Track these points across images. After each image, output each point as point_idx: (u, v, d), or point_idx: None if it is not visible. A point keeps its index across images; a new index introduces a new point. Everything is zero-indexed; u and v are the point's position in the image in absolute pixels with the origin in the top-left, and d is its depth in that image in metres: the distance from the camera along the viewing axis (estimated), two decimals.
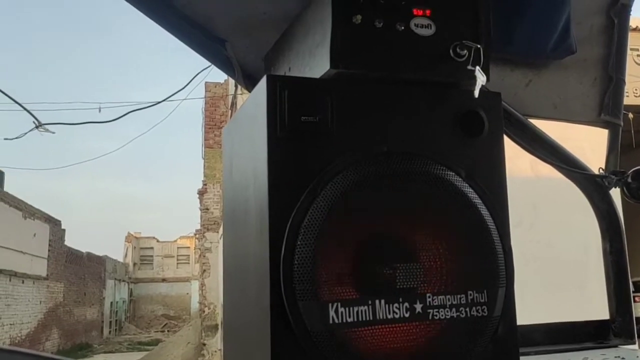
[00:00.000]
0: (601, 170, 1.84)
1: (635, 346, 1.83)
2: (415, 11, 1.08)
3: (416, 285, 1.00)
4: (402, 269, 0.99)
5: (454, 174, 1.06)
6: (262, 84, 1.02)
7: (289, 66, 1.27)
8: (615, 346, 1.79)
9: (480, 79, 1.07)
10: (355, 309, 0.95)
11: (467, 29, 1.12)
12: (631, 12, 1.96)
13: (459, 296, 1.03)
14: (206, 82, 18.65)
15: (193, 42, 1.59)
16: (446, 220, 1.05)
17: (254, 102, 1.10)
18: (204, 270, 18.44)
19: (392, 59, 1.08)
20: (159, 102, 10.21)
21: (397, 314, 0.98)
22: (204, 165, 19.14)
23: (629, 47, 1.97)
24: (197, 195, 19.09)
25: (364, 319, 0.95)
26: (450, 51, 1.09)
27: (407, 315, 0.98)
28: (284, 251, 0.95)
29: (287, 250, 0.95)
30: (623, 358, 1.61)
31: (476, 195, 1.07)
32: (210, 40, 1.57)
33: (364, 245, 0.98)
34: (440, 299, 1.01)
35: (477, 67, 1.08)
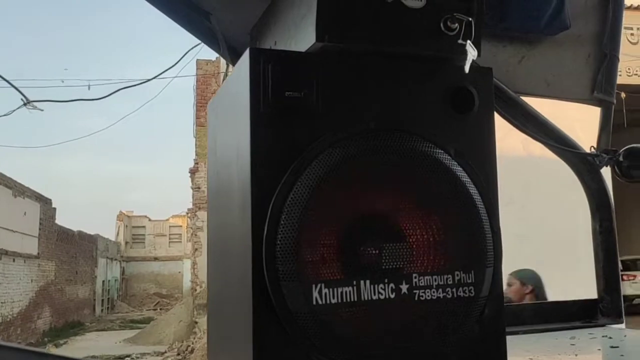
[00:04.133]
0: (593, 149, 1.82)
1: (623, 325, 1.83)
2: None
3: (402, 266, 0.97)
4: (388, 248, 0.97)
5: (442, 151, 1.03)
6: (245, 58, 0.98)
7: (275, 40, 1.23)
8: (603, 325, 1.79)
9: (472, 53, 1.03)
10: (340, 289, 0.93)
11: (459, 1, 1.08)
12: None
13: (445, 276, 1.00)
14: (197, 60, 18.44)
15: (177, 15, 1.54)
16: (434, 199, 1.02)
17: (237, 76, 1.06)
18: (196, 249, 18.44)
19: (381, 32, 1.04)
20: (150, 80, 10.11)
21: (382, 294, 0.95)
22: (196, 144, 19.01)
23: (623, 25, 1.93)
24: (189, 174, 19.01)
25: (348, 300, 0.93)
26: (441, 24, 1.06)
27: (392, 296, 0.96)
28: (266, 230, 0.92)
29: (270, 229, 0.92)
30: (610, 337, 1.60)
31: (465, 174, 1.04)
32: (195, 13, 1.52)
33: (349, 225, 0.95)
34: (427, 279, 0.99)
35: (468, 41, 1.05)
